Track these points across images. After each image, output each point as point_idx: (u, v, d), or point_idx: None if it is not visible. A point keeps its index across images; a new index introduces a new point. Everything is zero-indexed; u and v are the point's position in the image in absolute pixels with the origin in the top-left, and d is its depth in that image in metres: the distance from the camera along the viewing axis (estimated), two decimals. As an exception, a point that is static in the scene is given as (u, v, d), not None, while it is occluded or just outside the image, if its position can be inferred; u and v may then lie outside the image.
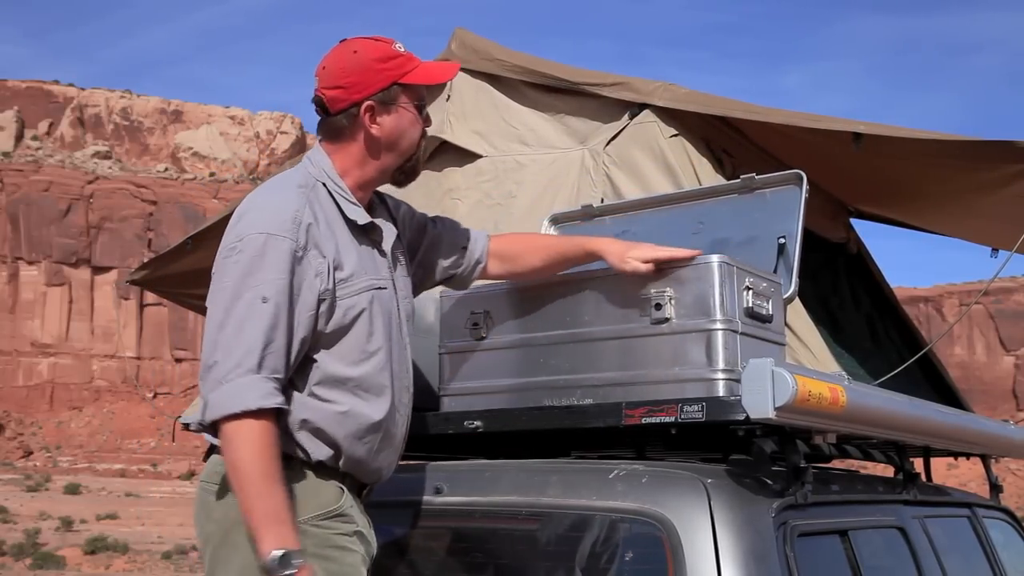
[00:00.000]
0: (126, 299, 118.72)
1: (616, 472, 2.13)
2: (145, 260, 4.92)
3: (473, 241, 2.42)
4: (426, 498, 2.33)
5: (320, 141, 2.15)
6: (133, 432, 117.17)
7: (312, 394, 1.97)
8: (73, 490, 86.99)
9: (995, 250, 4.00)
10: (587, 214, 2.95)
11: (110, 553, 52.63)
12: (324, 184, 2.07)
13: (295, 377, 1.96)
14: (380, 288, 2.07)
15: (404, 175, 2.19)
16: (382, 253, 2.12)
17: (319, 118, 2.13)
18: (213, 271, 1.97)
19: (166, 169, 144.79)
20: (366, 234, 2.10)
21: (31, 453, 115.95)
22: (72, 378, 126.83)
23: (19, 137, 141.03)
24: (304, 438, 1.96)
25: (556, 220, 3.02)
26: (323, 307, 1.96)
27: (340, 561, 1.94)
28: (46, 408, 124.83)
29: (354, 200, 2.09)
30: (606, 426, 2.23)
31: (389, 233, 2.14)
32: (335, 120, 2.09)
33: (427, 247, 2.38)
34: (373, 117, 2.08)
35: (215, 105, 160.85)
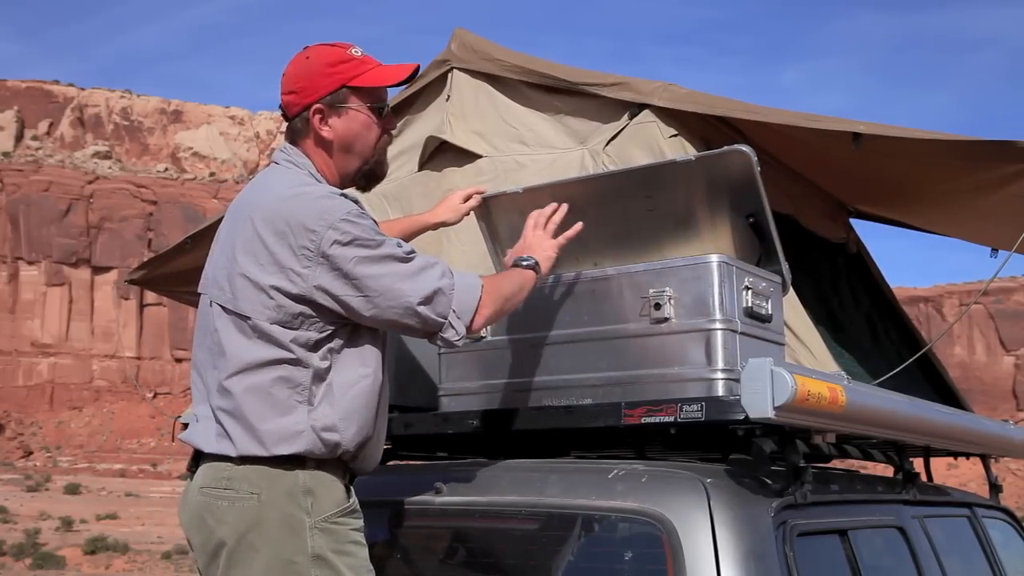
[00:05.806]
0: (126, 299, 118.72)
1: (616, 472, 2.13)
2: (145, 260, 4.90)
3: None
4: (426, 498, 2.33)
5: (288, 143, 2.18)
6: (133, 432, 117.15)
7: (357, 372, 2.01)
8: (73, 490, 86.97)
9: (995, 250, 4.00)
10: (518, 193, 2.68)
11: (110, 553, 52.61)
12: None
13: (345, 356, 1.99)
14: None
15: (365, 179, 2.21)
16: None
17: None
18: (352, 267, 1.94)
19: (166, 169, 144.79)
20: None
21: (31, 453, 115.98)
22: (72, 378, 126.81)
23: (19, 137, 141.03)
24: (343, 422, 1.97)
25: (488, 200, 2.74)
26: None
27: (357, 555, 1.98)
28: (46, 408, 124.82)
29: None
30: (605, 426, 2.24)
31: None
32: (293, 123, 2.15)
33: None
34: (323, 120, 2.11)
35: (215, 105, 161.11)
